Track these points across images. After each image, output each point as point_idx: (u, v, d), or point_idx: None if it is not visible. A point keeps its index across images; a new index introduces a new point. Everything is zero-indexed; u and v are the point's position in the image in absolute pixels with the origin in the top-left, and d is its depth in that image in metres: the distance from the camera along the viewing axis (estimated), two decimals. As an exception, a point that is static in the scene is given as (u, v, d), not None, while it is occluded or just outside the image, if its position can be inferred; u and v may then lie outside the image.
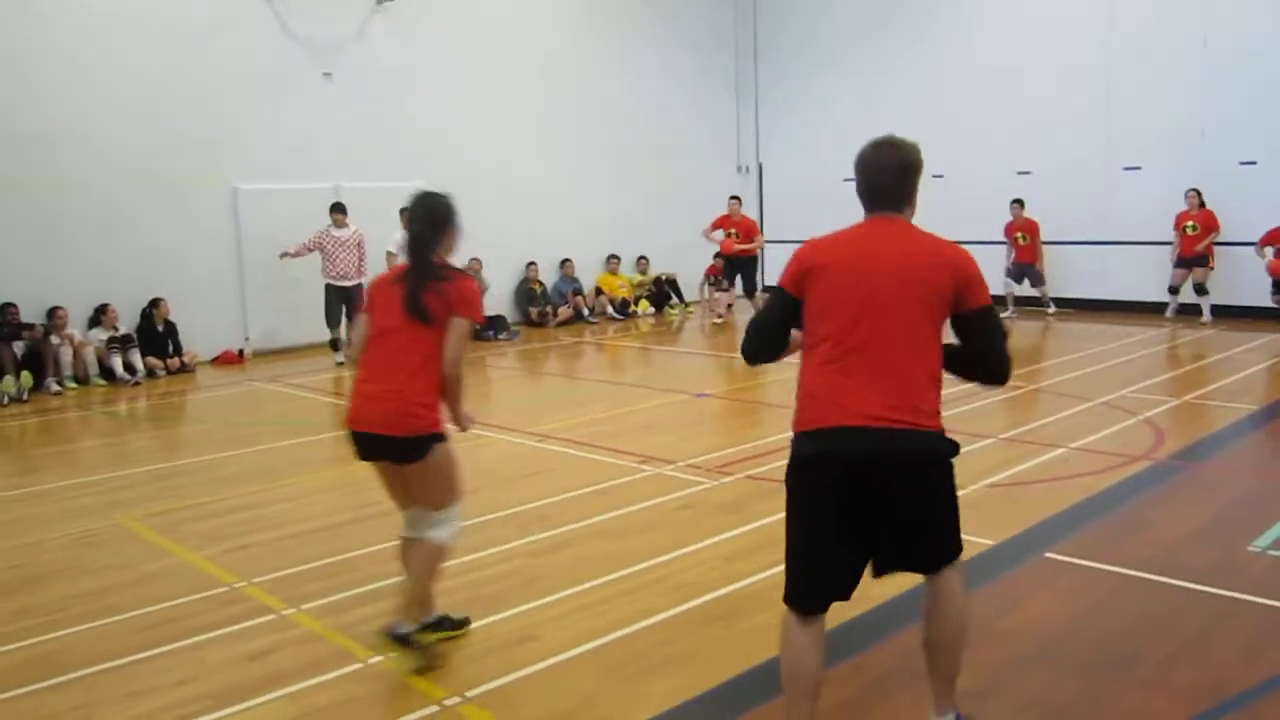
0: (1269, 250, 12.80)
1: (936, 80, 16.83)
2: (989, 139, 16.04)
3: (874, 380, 3.15)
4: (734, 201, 15.88)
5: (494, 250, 15.41)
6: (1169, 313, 14.37)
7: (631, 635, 4.49)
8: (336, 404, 10.23)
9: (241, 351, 13.14)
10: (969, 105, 16.22)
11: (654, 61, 18.15)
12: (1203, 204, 13.92)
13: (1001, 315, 12.16)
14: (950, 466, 3.26)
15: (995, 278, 15.24)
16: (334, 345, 12.57)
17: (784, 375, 11.32)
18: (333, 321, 12.59)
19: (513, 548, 5.68)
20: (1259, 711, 3.75)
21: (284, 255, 12.37)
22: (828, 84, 18.48)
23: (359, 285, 12.61)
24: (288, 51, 13.55)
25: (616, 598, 4.92)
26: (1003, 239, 15.35)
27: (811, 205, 17.48)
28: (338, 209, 12.54)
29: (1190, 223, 13.99)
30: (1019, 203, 15.16)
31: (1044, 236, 15.27)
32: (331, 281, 12.48)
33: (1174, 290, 14.36)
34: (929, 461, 3.19)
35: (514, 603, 4.88)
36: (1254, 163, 14.08)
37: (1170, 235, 14.35)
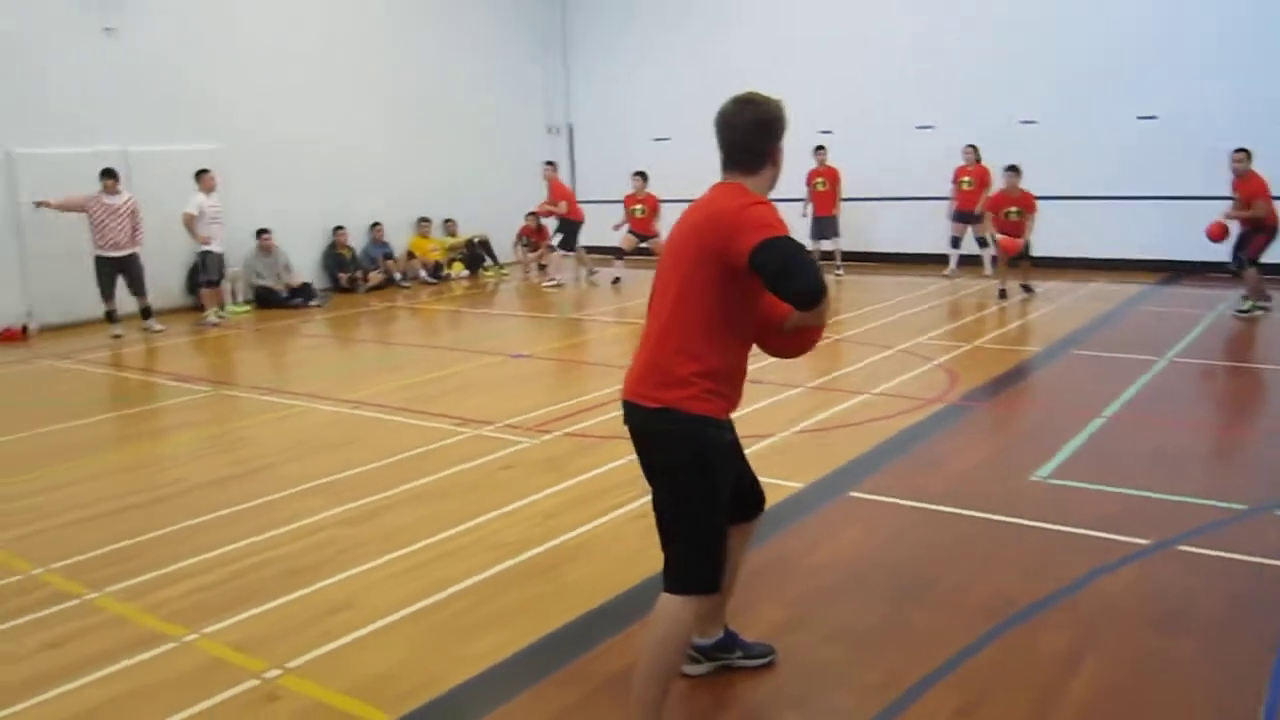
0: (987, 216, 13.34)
1: (748, 39, 17.17)
2: (794, 96, 16.47)
3: (637, 354, 3.19)
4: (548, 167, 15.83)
5: (299, 215, 14.93)
6: (952, 265, 15.12)
7: (451, 597, 4.49)
8: (127, 379, 9.73)
9: (25, 327, 12.29)
10: (777, 64, 16.57)
11: (461, 20, 17.80)
12: (979, 159, 14.68)
13: (835, 272, 12.40)
14: (679, 456, 3.06)
15: (798, 229, 15.76)
16: (109, 317, 11.94)
17: (602, 334, 11.49)
18: (107, 293, 11.96)
19: (328, 517, 5.56)
20: (1040, 622, 4.08)
21: (39, 204, 11.59)
22: (638, 43, 18.60)
23: (133, 255, 12.01)
24: (64, 4, 12.62)
25: (435, 561, 4.91)
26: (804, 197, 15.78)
27: (624, 166, 17.63)
28: (109, 174, 11.82)
29: (966, 178, 14.73)
30: (821, 149, 15.58)
31: (844, 193, 15.75)
32: (102, 252, 11.81)
33: (955, 243, 15.08)
34: (648, 440, 3.14)
35: (331, 572, 4.79)
36: (1034, 121, 15.00)
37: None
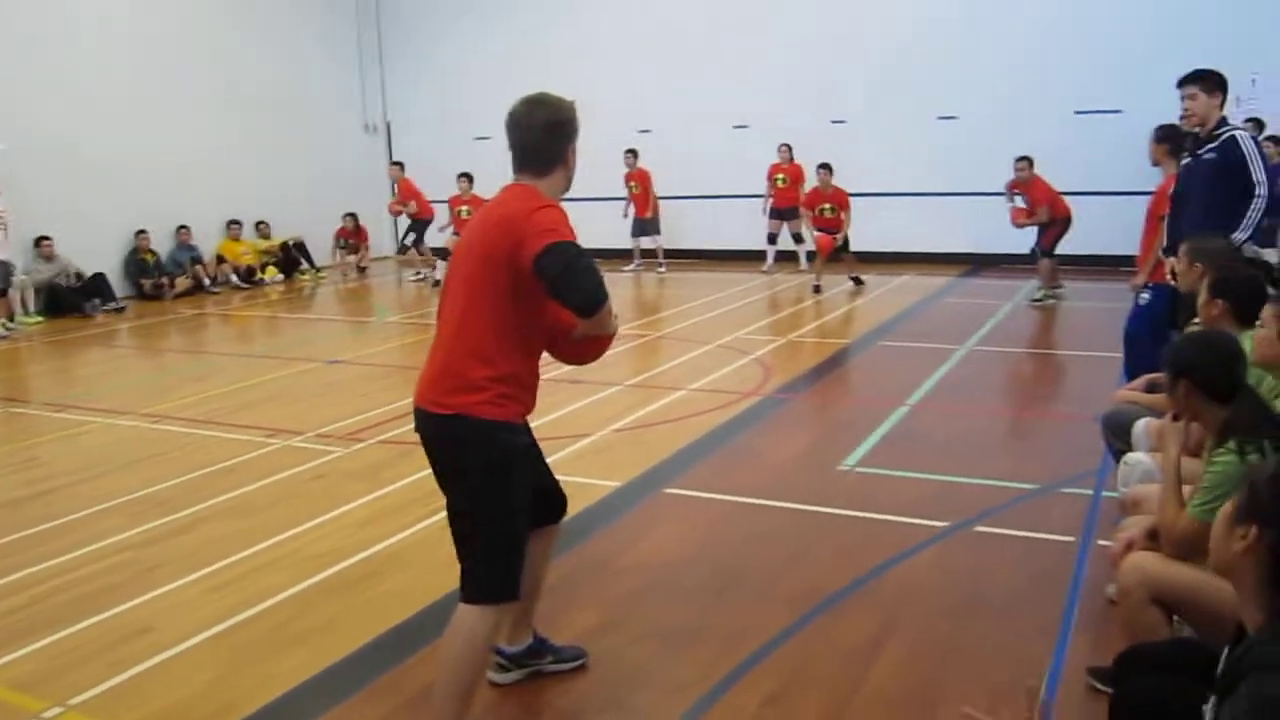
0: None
1: (565, 37, 17.16)
2: (613, 94, 16.54)
3: (429, 360, 3.13)
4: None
5: (96, 219, 14.11)
6: (769, 261, 15.52)
7: (259, 614, 4.32)
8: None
9: None
10: (604, 61, 16.61)
11: (271, 15, 17.19)
12: (793, 158, 15.11)
13: (625, 269, 12.62)
14: (471, 462, 3.02)
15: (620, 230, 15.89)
16: None
17: (420, 337, 11.29)
18: None
19: (126, 538, 5.27)
20: (844, 609, 4.22)
21: None
22: (457, 40, 18.33)
23: None
24: None
25: (243, 577, 4.72)
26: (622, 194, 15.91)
27: (444, 164, 17.35)
28: None
29: (781, 175, 15.16)
30: (632, 152, 15.76)
31: (661, 191, 15.94)
32: None
33: (772, 239, 15.46)
34: (441, 447, 3.09)
35: (128, 595, 4.54)
36: (844, 121, 15.53)
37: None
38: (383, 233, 19.21)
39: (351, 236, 17.53)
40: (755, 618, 4.16)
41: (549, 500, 3.48)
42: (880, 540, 4.93)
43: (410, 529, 5.24)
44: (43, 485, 6.29)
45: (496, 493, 3.03)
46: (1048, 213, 11.72)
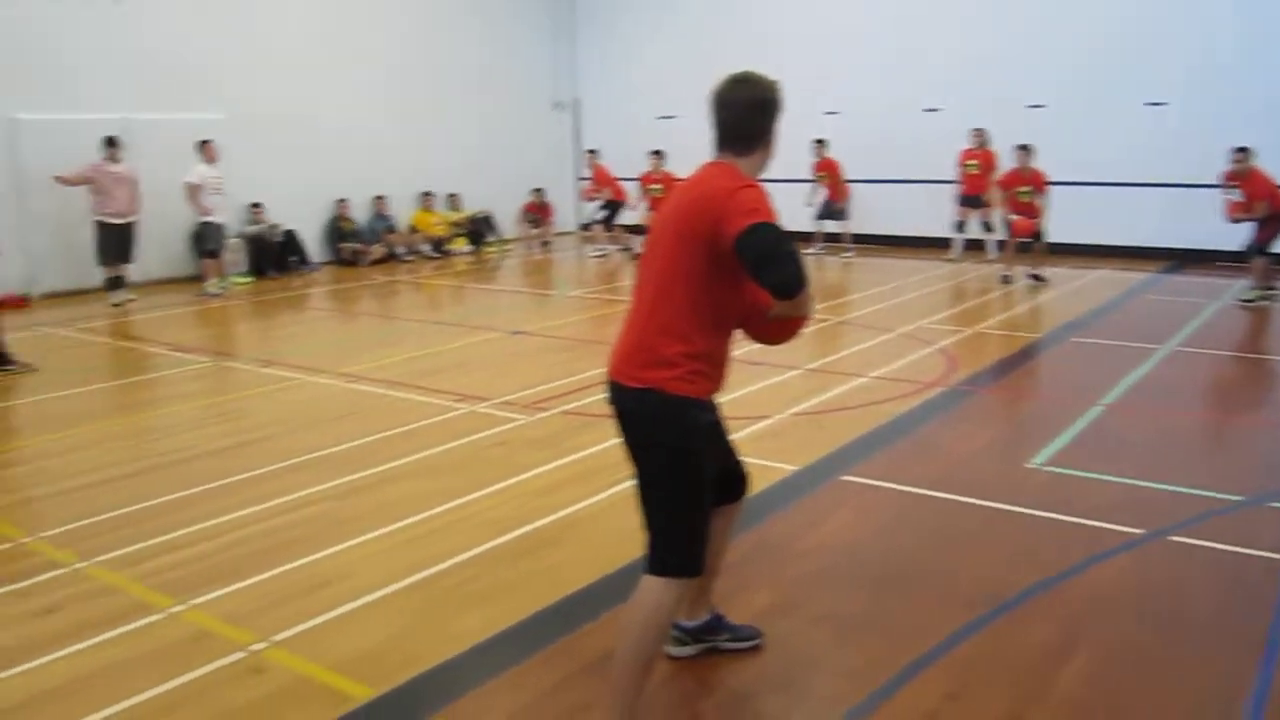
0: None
1: (756, 16, 17.06)
2: (801, 76, 16.35)
3: (622, 334, 3.16)
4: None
5: (301, 187, 14.87)
6: (955, 249, 15.03)
7: (441, 573, 4.48)
8: (127, 348, 9.72)
9: (26, 295, 12.27)
10: (791, 41, 16.42)
11: (469, -8, 17.73)
12: (985, 143, 14.55)
13: (806, 252, 12.43)
14: (662, 437, 3.03)
15: (803, 215, 15.71)
16: (111, 285, 11.96)
17: (600, 312, 11.46)
18: (110, 260, 12.02)
19: (322, 490, 5.56)
20: (1028, 612, 4.06)
21: (58, 180, 11.58)
22: (648, 18, 18.48)
23: (132, 223, 12.05)
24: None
25: (426, 536, 4.90)
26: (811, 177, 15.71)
27: (630, 142, 17.57)
28: (112, 143, 11.89)
29: (973, 161, 14.59)
30: (820, 143, 15.51)
31: (848, 175, 15.67)
32: (107, 219, 11.86)
33: (960, 227, 14.97)
34: (632, 420, 3.11)
35: (322, 545, 4.79)
36: (1043, 105, 14.88)
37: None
38: (567, 209, 19.59)
39: (537, 212, 17.91)
40: (934, 612, 4.05)
41: (732, 478, 3.48)
42: (1069, 543, 4.73)
43: (589, 499, 5.33)
44: (248, 435, 6.69)
45: (684, 468, 3.04)
46: (1266, 208, 10.94)
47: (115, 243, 11.97)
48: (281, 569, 4.52)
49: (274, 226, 14.40)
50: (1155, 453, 6.06)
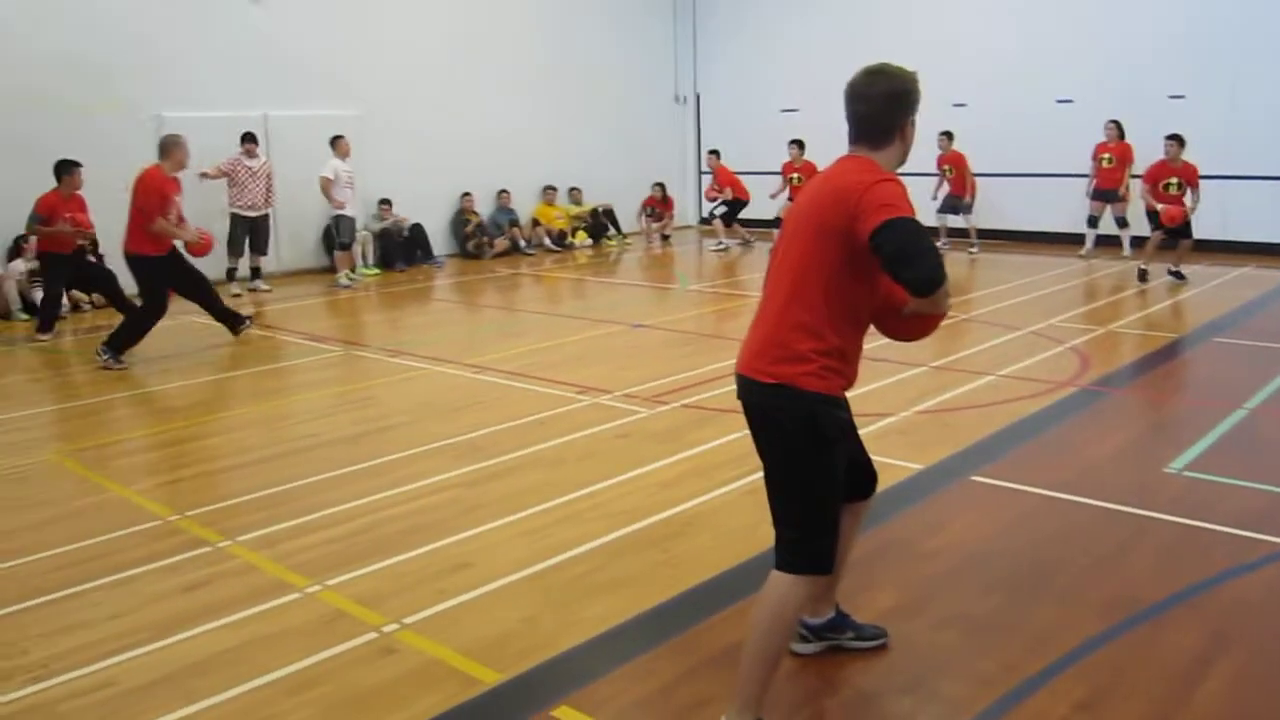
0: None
1: (881, 8, 16.81)
2: (929, 66, 16.02)
3: (753, 328, 3.14)
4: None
5: (427, 181, 15.22)
6: (1088, 245, 14.53)
7: (568, 561, 4.55)
8: (263, 337, 10.10)
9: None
10: (913, 33, 16.11)
11: (591, -12, 17.88)
12: (1122, 135, 14.04)
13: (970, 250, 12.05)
14: (794, 433, 3.00)
15: (926, 208, 15.40)
16: (230, 275, 12.48)
17: (721, 306, 11.45)
18: (237, 251, 12.59)
19: (450, 477, 5.69)
20: (1166, 622, 3.93)
21: (202, 175, 12.07)
22: (768, 13, 18.33)
23: (266, 216, 12.62)
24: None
25: (553, 525, 4.98)
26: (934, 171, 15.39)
27: (751, 138, 17.50)
28: (249, 138, 12.51)
29: (1107, 155, 14.10)
30: (947, 135, 15.15)
31: (975, 168, 15.28)
32: (240, 211, 12.47)
33: (1093, 222, 14.47)
34: (763, 416, 3.09)
35: (451, 531, 4.91)
36: (1182, 97, 14.30)
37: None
38: (687, 203, 19.62)
39: (658, 205, 17.99)
40: (1065, 618, 3.95)
41: (861, 475, 3.44)
42: (1211, 551, 4.55)
43: (711, 493, 5.35)
44: (378, 423, 6.89)
45: (815, 465, 3.02)
46: None
47: (244, 234, 12.54)
48: (412, 553, 4.65)
49: (400, 221, 14.77)
50: (1304, 460, 5.78)
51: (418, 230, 14.98)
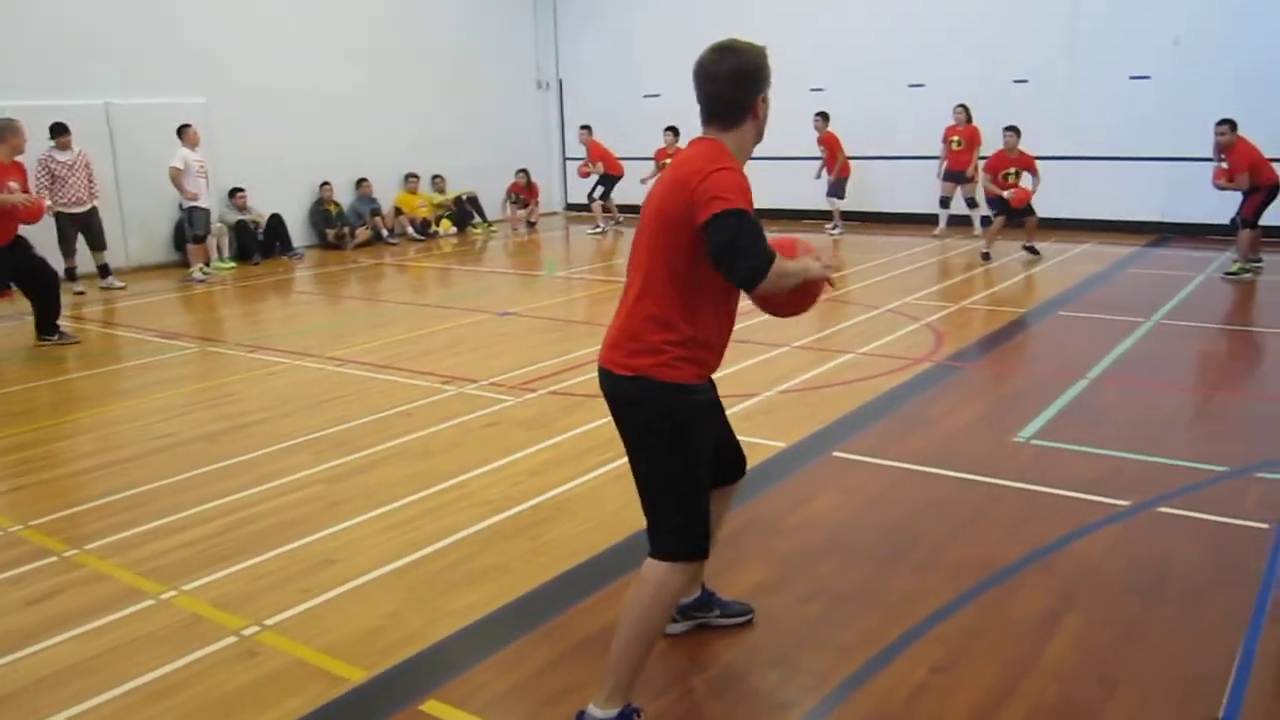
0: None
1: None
2: (787, 51, 16.24)
3: (613, 319, 3.11)
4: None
5: (283, 170, 14.78)
6: (941, 225, 15.03)
7: (434, 553, 4.49)
8: (113, 335, 9.68)
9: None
10: (770, 17, 16.31)
11: (448, -28, 17.59)
12: (970, 119, 14.57)
13: (828, 229, 12.36)
14: (654, 423, 3.00)
15: (804, 193, 15.71)
16: (70, 275, 11.83)
17: (588, 291, 11.46)
18: (69, 250, 11.90)
19: (313, 473, 5.56)
20: (1017, 584, 4.10)
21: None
22: (627, -2, 18.36)
23: (93, 210, 11.91)
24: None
25: (419, 517, 4.91)
26: (806, 155, 15.61)
27: (617, 123, 17.52)
28: (60, 130, 11.56)
29: (956, 138, 14.63)
30: (822, 116, 15.38)
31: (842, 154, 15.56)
32: (64, 209, 11.61)
33: (944, 203, 14.97)
34: (623, 408, 3.08)
35: (314, 529, 4.79)
36: (1026, 81, 14.89)
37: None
38: (553, 188, 19.56)
39: (523, 192, 17.88)
40: (923, 586, 4.08)
41: (729, 457, 3.46)
42: (1057, 516, 4.76)
43: (579, 479, 5.35)
44: (238, 420, 6.67)
45: (678, 452, 3.01)
46: (1247, 180, 10.97)
47: (73, 232, 11.82)
48: (273, 553, 4.53)
49: (256, 213, 14.31)
50: (1141, 425, 6.10)
51: (275, 221, 14.56)
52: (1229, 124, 11.12)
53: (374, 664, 3.57)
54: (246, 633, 3.82)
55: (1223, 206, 11.62)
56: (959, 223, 14.97)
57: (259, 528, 4.83)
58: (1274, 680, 3.34)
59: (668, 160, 15.33)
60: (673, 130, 15.52)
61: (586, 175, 16.89)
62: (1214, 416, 6.73)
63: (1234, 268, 11.11)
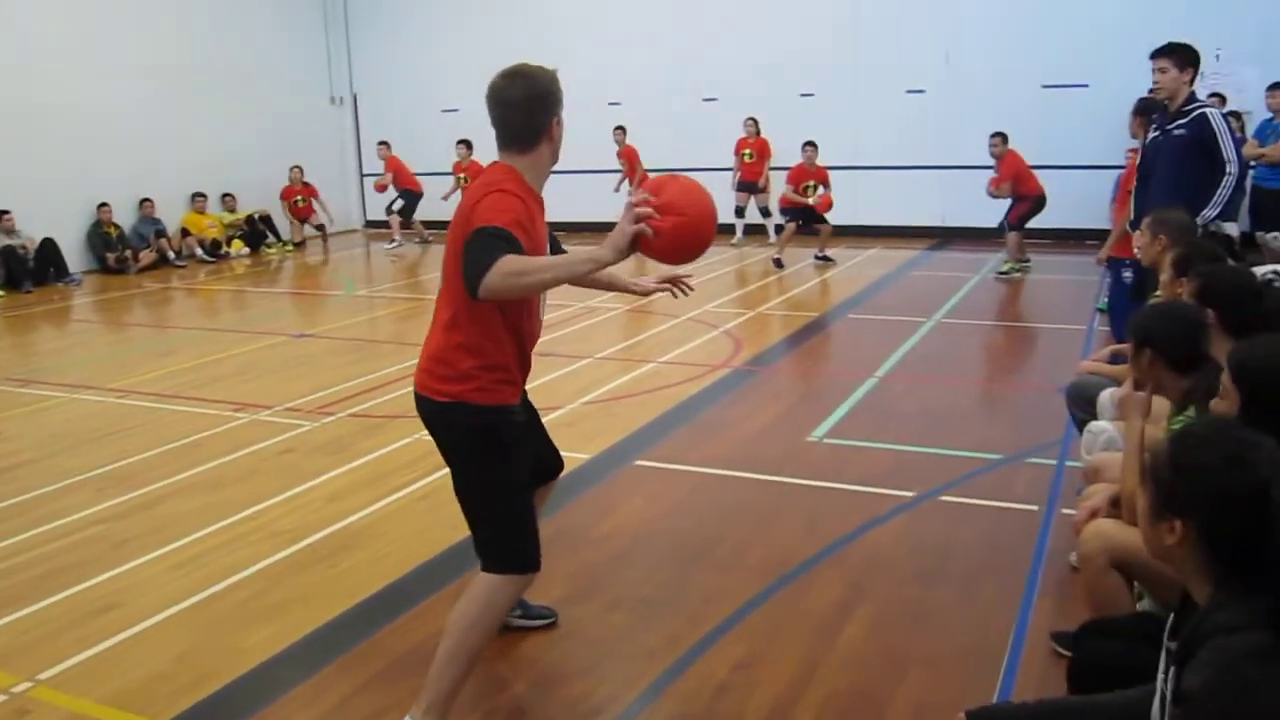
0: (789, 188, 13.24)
1: (535, 8, 17.03)
2: (584, 66, 16.38)
3: (425, 342, 3.12)
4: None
5: (55, 191, 13.88)
6: (738, 235, 15.49)
7: (228, 588, 4.31)
8: None
9: None
10: (573, 31, 16.44)
11: (229, -16, 16.93)
12: (759, 132, 15.12)
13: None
14: (473, 445, 3.05)
15: (605, 205, 15.85)
16: None
17: (389, 310, 11.24)
18: None
19: (93, 513, 5.23)
20: (813, 577, 4.26)
21: None
22: (424, 11, 18.08)
23: None
24: None
25: (211, 552, 4.70)
26: (607, 169, 15.80)
27: (415, 139, 17.25)
28: None
29: (748, 150, 15.19)
30: (620, 129, 15.72)
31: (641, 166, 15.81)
32: None
33: (739, 213, 15.45)
34: (441, 432, 3.10)
35: (96, 571, 4.52)
36: (812, 94, 15.52)
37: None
38: (350, 205, 19.09)
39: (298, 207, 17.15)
40: (725, 586, 4.19)
41: (544, 462, 3.55)
42: (848, 509, 4.97)
43: (380, 502, 5.24)
44: (7, 461, 6.22)
45: (498, 471, 3.05)
46: (1010, 188, 11.83)
47: None
48: (49, 600, 4.24)
49: (24, 243, 13.37)
50: (925, 419, 6.44)
51: (48, 245, 13.64)
52: (1001, 136, 11.97)
53: (163, 710, 3.39)
54: (17, 690, 3.56)
55: (994, 212, 12.41)
56: (754, 231, 15.45)
57: (33, 573, 4.52)
58: (1046, 650, 3.59)
59: (462, 174, 15.31)
60: (466, 144, 15.45)
61: (383, 190, 16.61)
62: (990, 407, 7.18)
63: (1005, 268, 11.89)
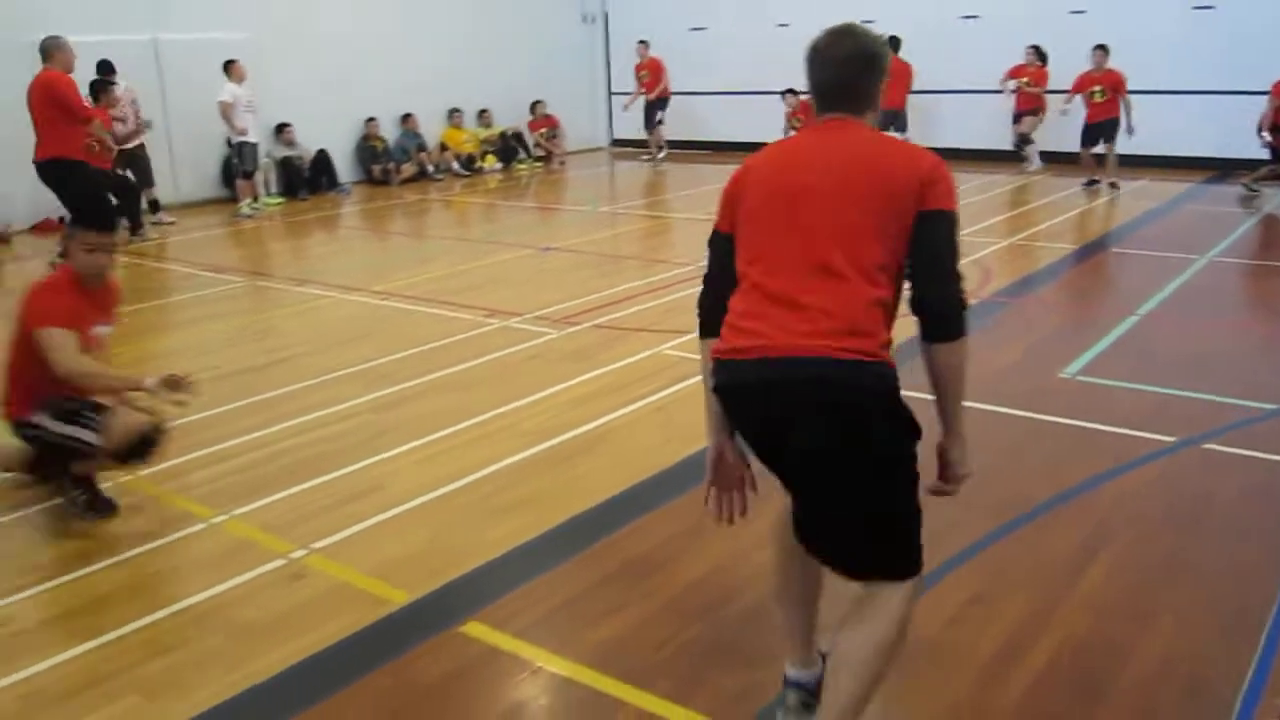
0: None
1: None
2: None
3: (792, 307, 2.44)
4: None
5: (329, 106, 14.80)
6: (1034, 162, 14.40)
7: (475, 482, 4.56)
8: (162, 269, 9.82)
9: (61, 218, 12.35)
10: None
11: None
12: (1040, 60, 13.91)
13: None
14: (887, 422, 2.54)
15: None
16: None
17: (631, 228, 11.42)
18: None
19: (357, 404, 5.64)
20: (1059, 514, 4.10)
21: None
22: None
23: (140, 146, 11.94)
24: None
25: (461, 447, 4.98)
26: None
27: (664, 57, 17.28)
28: (107, 67, 11.56)
29: (1025, 79, 14.11)
30: (643, 43, 16.47)
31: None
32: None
33: (1026, 140, 14.38)
34: (845, 398, 2.44)
35: (359, 457, 4.88)
36: (1082, 12, 14.47)
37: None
38: (599, 125, 19.43)
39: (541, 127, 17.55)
40: (962, 519, 4.05)
41: None
42: (1099, 451, 4.73)
43: (618, 411, 5.38)
44: (283, 353, 6.78)
45: (908, 450, 2.66)
46: None
47: (125, 168, 11.70)
48: (319, 480, 4.62)
49: (298, 148, 14.37)
50: (1190, 362, 6.00)
51: (322, 157, 14.62)
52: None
53: (417, 587, 3.65)
54: (294, 556, 3.92)
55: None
56: (1008, 158, 14.65)
57: (305, 456, 4.93)
58: (1316, 616, 3.32)
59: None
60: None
61: (645, 94, 16.83)
62: (1264, 354, 6.59)
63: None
